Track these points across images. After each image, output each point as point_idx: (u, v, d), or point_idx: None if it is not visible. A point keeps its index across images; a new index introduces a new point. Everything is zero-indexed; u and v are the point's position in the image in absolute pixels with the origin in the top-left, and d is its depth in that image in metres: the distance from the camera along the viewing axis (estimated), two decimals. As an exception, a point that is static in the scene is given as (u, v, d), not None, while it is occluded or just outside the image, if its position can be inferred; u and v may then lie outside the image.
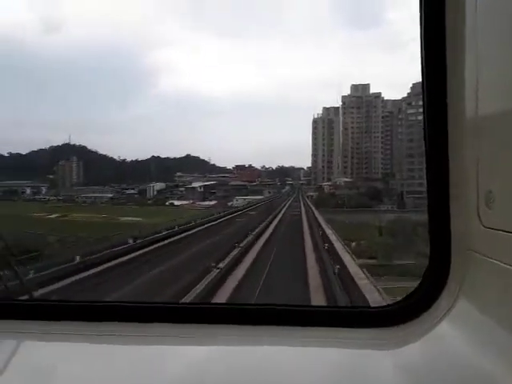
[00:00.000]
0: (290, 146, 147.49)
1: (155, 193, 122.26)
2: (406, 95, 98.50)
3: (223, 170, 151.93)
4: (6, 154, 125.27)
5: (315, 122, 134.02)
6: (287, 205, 72.39)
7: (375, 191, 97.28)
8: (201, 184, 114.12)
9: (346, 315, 1.51)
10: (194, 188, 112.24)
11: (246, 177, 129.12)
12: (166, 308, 1.62)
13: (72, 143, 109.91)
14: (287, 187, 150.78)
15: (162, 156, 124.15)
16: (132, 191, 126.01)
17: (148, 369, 1.35)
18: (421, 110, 1.59)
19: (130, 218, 62.39)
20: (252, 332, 1.40)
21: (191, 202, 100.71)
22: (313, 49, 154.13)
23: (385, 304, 1.57)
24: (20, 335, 1.40)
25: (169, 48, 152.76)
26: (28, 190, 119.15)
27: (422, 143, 1.59)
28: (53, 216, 58.36)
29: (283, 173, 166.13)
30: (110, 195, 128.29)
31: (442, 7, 1.39)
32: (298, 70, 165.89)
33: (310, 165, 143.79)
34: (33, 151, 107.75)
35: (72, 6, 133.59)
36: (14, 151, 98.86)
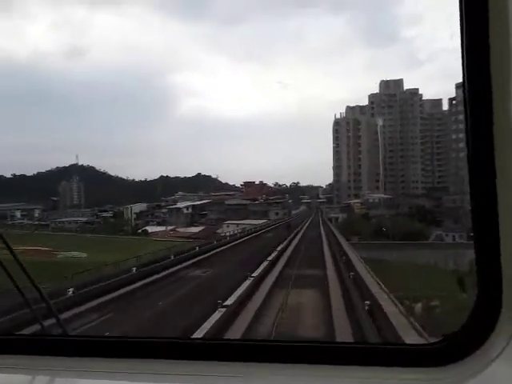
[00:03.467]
0: (308, 164, 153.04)
1: (133, 215, 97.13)
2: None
3: (231, 187, 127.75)
4: (10, 176, 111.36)
5: (337, 123, 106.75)
6: (301, 233, 45.75)
7: (424, 211, 70.78)
8: (188, 204, 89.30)
9: (390, 353, 1.35)
10: (178, 209, 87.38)
11: (250, 194, 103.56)
12: (209, 345, 1.48)
13: (80, 164, 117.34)
14: (302, 207, 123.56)
15: (171, 176, 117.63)
16: (106, 214, 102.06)
17: None
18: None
19: (72, 254, 49.07)
20: (302, 371, 1.28)
21: (171, 228, 75.76)
22: (333, 68, 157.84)
23: (431, 342, 1.37)
24: (52, 372, 1.38)
25: (189, 72, 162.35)
26: (18, 214, 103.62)
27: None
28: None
29: (298, 191, 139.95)
30: (84, 219, 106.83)
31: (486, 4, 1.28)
32: (318, 90, 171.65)
33: (330, 181, 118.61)
34: (39, 172, 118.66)
35: (96, 33, 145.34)
36: (18, 173, 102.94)
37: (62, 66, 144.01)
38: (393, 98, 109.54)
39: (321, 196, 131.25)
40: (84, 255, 47.38)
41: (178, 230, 72.91)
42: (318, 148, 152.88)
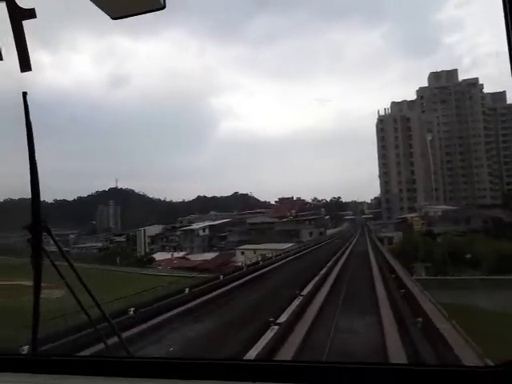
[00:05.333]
0: (349, 179, 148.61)
1: (147, 239, 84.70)
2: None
3: (264, 204, 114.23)
4: (52, 201, 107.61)
5: (381, 121, 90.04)
6: (341, 263, 30.09)
7: (504, 225, 53.49)
8: (204, 225, 75.65)
9: (449, 375, 1.29)
10: (192, 231, 73.90)
11: (279, 211, 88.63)
12: (259, 366, 1.45)
13: (119, 187, 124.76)
14: (345, 224, 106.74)
15: (208, 195, 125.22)
16: (120, 238, 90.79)
17: None
18: None
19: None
20: None
21: (179, 256, 62.18)
22: (371, 81, 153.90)
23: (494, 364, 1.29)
24: None
25: (227, 94, 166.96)
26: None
27: None
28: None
29: (339, 206, 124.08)
30: (100, 245, 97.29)
31: None
32: (356, 104, 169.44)
33: (376, 195, 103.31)
34: (79, 197, 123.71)
35: (137, 61, 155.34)
36: (59, 198, 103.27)
37: (104, 95, 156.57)
38: (446, 90, 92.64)
39: (367, 212, 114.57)
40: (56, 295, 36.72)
41: (188, 256, 59.47)
42: (359, 162, 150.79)
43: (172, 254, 59.36)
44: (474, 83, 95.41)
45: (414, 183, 79.98)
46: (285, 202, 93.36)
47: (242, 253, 50.67)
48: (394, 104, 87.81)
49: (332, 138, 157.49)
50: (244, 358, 9.36)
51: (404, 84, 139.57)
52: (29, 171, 1.47)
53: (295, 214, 70.21)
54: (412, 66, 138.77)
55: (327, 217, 77.84)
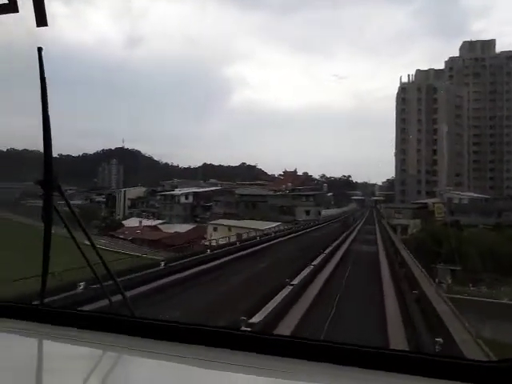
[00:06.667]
0: (363, 159, 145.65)
1: (127, 202, 75.76)
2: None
3: (269, 177, 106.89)
4: (56, 156, 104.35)
5: (403, 90, 77.41)
6: (327, 274, 19.08)
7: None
8: (187, 191, 65.82)
9: (450, 366, 1.30)
10: (173, 197, 64.32)
11: (278, 184, 78.47)
12: (260, 338, 1.48)
13: (126, 147, 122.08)
14: (351, 205, 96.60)
15: (215, 164, 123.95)
16: (100, 198, 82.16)
17: None
18: None
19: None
20: (354, 374, 1.29)
21: (154, 224, 52.92)
22: (394, 61, 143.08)
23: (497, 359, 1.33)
24: (117, 348, 1.47)
25: (243, 63, 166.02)
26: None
27: None
28: None
29: (348, 185, 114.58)
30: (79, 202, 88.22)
31: None
32: (377, 83, 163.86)
33: (389, 177, 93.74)
34: (84, 153, 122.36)
35: (154, 21, 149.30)
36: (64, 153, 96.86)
37: (120, 54, 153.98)
38: (480, 63, 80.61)
39: (377, 193, 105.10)
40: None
41: (161, 226, 50.27)
42: (373, 144, 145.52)
43: (140, 222, 50.44)
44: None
45: (435, 164, 69.36)
46: (287, 175, 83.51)
47: (215, 229, 41.42)
48: (419, 72, 76.22)
49: (347, 116, 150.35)
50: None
51: (428, 66, 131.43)
52: (41, 127, 1.48)
53: (291, 187, 60.32)
54: (437, 49, 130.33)
55: (330, 194, 67.56)
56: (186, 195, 60.21)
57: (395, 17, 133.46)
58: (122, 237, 43.52)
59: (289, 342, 1.42)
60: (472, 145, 78.85)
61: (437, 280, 27.56)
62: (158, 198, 63.53)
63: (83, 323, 1.54)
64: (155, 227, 49.56)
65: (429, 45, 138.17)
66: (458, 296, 24.26)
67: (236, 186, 69.44)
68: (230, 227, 37.82)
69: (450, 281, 28.38)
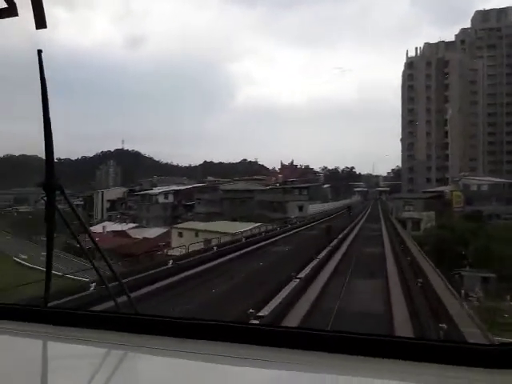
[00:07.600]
0: (367, 152, 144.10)
1: (105, 204, 68.92)
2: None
3: (269, 171, 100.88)
4: (56, 160, 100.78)
5: (411, 65, 65.41)
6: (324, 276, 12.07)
7: None
8: (167, 189, 58.56)
9: (455, 351, 1.29)
10: (151, 197, 57.10)
11: (273, 178, 70.93)
12: (267, 331, 1.51)
13: (125, 148, 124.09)
14: (355, 196, 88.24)
15: (215, 161, 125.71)
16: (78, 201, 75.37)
17: None
18: None
19: None
20: (360, 363, 1.28)
21: (126, 228, 45.80)
22: (397, 52, 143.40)
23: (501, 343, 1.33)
24: (123, 346, 1.49)
25: (246, 59, 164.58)
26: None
27: None
28: None
29: (352, 177, 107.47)
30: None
31: None
32: (380, 76, 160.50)
33: (394, 167, 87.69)
34: (83, 156, 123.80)
35: (155, 21, 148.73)
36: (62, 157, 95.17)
37: (120, 56, 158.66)
38: (495, 33, 72.49)
39: (382, 184, 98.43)
40: None
41: (130, 231, 43.34)
42: (377, 136, 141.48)
43: (104, 227, 43.68)
44: (532, 26, 75.05)
45: (446, 148, 61.62)
46: (284, 167, 76.44)
47: (180, 234, 34.29)
48: (427, 45, 68.27)
49: (350, 109, 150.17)
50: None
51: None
52: (43, 130, 1.49)
53: (283, 180, 53.08)
54: (441, 37, 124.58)
55: (326, 186, 59.83)
56: (166, 194, 53.41)
57: (398, 7, 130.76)
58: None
59: (295, 334, 1.41)
60: (487, 125, 70.91)
61: (462, 292, 20.40)
62: (135, 198, 56.85)
63: (86, 323, 1.54)
64: (123, 232, 42.77)
65: (432, 33, 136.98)
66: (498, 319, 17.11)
67: (229, 182, 62.64)
68: (197, 232, 30.74)
69: (480, 293, 21.09)
